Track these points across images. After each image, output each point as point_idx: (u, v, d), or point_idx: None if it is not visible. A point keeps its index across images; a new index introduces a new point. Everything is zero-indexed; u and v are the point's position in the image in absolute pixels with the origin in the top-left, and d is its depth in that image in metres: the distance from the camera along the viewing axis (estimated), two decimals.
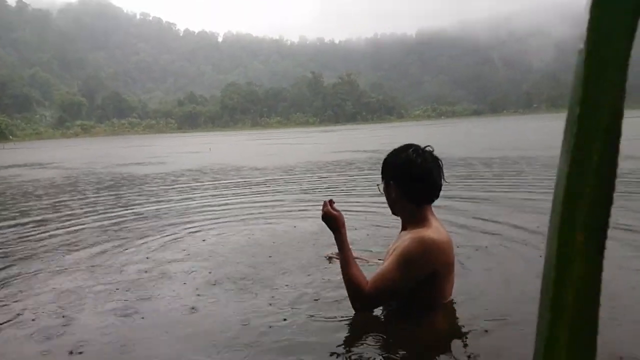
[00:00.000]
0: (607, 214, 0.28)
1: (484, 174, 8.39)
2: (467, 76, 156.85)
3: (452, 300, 2.37)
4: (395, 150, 2.36)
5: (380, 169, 2.40)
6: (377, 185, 2.47)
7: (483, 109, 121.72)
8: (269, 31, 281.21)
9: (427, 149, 2.31)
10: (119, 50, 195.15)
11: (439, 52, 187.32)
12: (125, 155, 22.20)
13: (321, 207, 2.37)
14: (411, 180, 2.25)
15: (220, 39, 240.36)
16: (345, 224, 2.36)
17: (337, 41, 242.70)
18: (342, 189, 7.50)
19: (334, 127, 73.28)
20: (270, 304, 2.57)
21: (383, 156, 2.43)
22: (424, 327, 2.25)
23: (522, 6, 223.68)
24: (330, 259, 3.22)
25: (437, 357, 1.98)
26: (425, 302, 2.28)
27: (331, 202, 2.38)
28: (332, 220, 2.31)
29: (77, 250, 4.06)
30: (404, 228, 2.36)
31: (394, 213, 2.43)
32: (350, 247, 2.36)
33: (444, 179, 2.31)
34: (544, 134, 21.06)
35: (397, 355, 2.04)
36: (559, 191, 0.28)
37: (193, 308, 2.57)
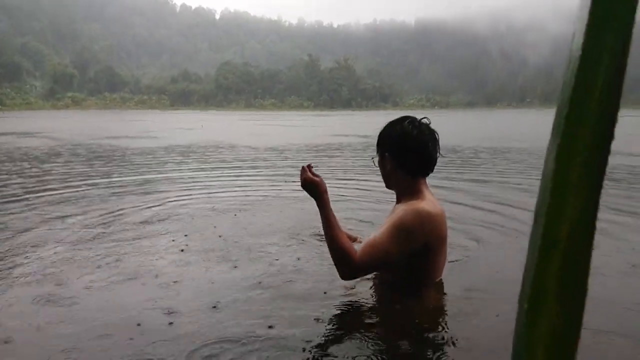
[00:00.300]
0: (596, 205, 0.26)
1: (475, 161, 8.35)
2: (463, 67, 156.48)
3: (441, 280, 2.31)
4: (391, 122, 2.29)
5: (376, 141, 2.32)
6: (372, 158, 2.41)
7: (477, 101, 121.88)
8: (267, 11, 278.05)
9: (423, 120, 2.25)
10: (114, 22, 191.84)
11: (437, 41, 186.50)
12: (116, 128, 21.91)
13: (300, 174, 2.22)
14: (407, 151, 2.19)
15: (217, 16, 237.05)
16: (329, 191, 2.21)
17: (335, 25, 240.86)
18: (333, 167, 7.42)
19: (329, 112, 73.02)
20: (257, 276, 2.49)
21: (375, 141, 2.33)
22: (417, 303, 2.17)
23: (521, 1, 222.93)
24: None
25: (428, 335, 1.92)
26: (418, 276, 2.22)
27: (309, 166, 2.22)
28: (313, 186, 2.17)
29: (53, 212, 3.95)
30: (398, 201, 2.29)
31: (388, 187, 2.36)
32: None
33: (439, 152, 2.25)
34: (541, 127, 21.10)
35: (389, 331, 1.98)
36: (546, 180, 0.27)
37: (175, 281, 2.48)
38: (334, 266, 2.11)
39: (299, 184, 2.22)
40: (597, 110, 0.26)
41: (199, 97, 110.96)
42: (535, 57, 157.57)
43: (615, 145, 0.24)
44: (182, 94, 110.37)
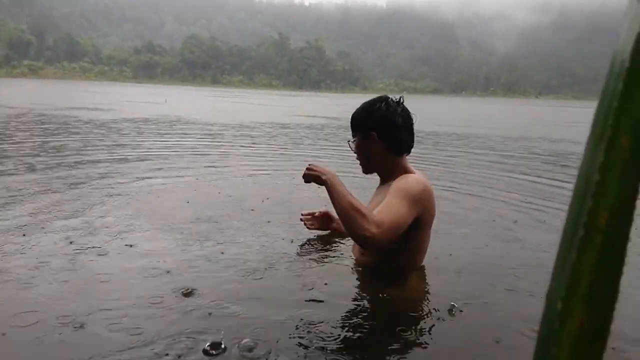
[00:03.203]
0: (634, 200, 0.25)
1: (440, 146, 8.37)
2: (432, 53, 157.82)
3: (424, 266, 2.21)
4: (368, 103, 2.19)
5: (352, 124, 2.20)
6: (349, 141, 2.26)
7: (443, 88, 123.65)
8: None
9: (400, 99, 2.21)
10: None
11: (407, 26, 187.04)
12: (74, 99, 20.98)
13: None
14: (396, 128, 2.10)
15: None
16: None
17: (307, 3, 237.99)
18: (302, 146, 7.26)
19: (298, 92, 72.37)
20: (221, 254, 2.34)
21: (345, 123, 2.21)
22: (398, 290, 2.05)
23: None
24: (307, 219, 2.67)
25: (412, 325, 1.87)
26: (405, 258, 2.13)
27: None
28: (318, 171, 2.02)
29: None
30: (384, 182, 2.18)
31: (367, 170, 2.24)
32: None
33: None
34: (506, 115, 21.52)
35: (371, 320, 1.90)
36: (583, 173, 0.26)
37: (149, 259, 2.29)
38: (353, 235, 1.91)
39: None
40: None
41: (163, 71, 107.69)
42: (500, 46, 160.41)
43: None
44: (146, 66, 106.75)
